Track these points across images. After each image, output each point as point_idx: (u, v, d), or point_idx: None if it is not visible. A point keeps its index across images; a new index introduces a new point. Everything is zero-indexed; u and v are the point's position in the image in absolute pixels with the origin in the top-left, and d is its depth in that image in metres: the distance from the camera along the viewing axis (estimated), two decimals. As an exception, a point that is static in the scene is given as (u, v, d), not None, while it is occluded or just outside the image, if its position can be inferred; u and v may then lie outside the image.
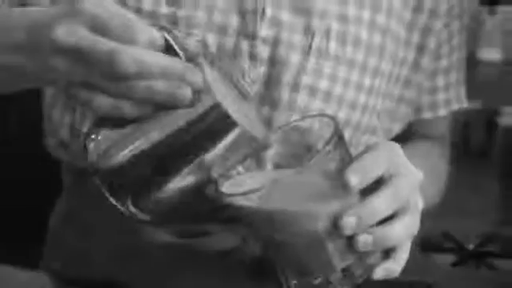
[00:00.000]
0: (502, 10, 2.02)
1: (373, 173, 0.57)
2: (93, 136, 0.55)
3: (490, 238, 1.23)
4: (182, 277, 0.78)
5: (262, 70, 0.73)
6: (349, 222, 0.56)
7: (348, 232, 0.56)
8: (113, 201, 0.55)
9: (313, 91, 0.74)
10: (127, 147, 0.54)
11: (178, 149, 0.54)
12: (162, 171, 0.54)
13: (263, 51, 0.73)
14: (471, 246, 1.21)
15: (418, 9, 0.80)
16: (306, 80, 0.73)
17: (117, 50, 0.51)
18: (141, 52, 0.52)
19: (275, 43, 0.73)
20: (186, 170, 0.54)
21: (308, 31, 0.73)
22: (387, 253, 0.60)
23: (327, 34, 0.74)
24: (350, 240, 0.57)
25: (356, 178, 0.55)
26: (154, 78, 0.52)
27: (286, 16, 0.73)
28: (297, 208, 0.56)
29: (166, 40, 0.53)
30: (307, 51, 0.73)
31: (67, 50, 0.53)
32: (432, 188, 0.82)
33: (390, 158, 0.59)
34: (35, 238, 0.91)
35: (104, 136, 0.55)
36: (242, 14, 0.73)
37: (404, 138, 0.86)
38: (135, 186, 0.55)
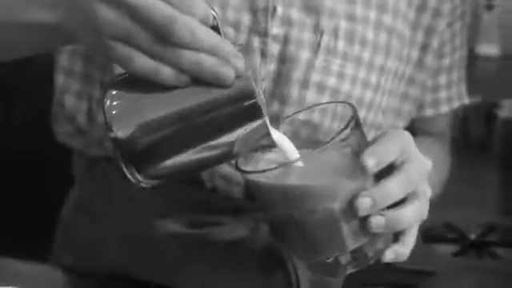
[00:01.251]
0: (498, 4, 2.03)
1: (388, 157, 0.58)
2: (113, 94, 0.55)
3: (491, 227, 1.23)
4: (193, 267, 0.79)
5: (272, 66, 0.74)
6: (364, 203, 0.57)
7: (362, 212, 0.57)
8: (122, 165, 0.55)
9: (321, 88, 0.75)
10: (148, 114, 0.54)
11: (199, 124, 0.54)
12: (178, 142, 0.55)
13: (274, 48, 0.74)
14: (473, 236, 1.21)
15: (422, 8, 0.81)
16: (314, 77, 0.74)
17: (175, 17, 0.52)
18: (197, 24, 0.53)
19: (285, 41, 0.74)
20: (202, 146, 0.55)
21: (317, 29, 0.74)
22: (396, 237, 0.61)
23: (335, 32, 0.75)
24: (364, 222, 0.58)
25: (373, 161, 0.57)
26: (203, 51, 0.53)
27: (295, 14, 0.74)
28: (315, 185, 0.57)
29: (214, 19, 0.55)
30: (316, 49, 0.74)
31: (121, 4, 0.52)
32: (434, 179, 0.83)
33: (403, 144, 0.60)
34: (43, 233, 0.91)
35: (126, 97, 0.55)
36: (254, 11, 0.73)
37: None
38: (147, 152, 0.55)
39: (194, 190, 0.78)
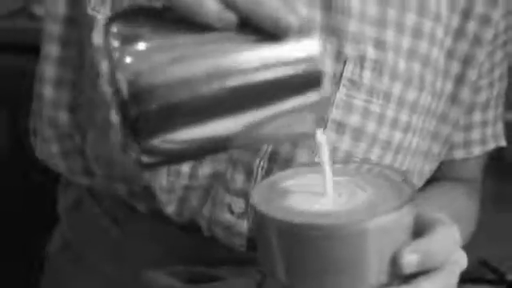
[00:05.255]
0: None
1: (432, 262, 0.50)
2: (125, 31, 0.43)
3: (532, 266, 1.13)
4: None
5: None
6: None
7: None
8: (124, 128, 0.44)
9: (341, 127, 0.66)
10: (170, 63, 0.43)
11: (233, 86, 0.43)
12: (198, 108, 0.44)
13: None
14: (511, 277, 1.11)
15: (460, 35, 0.72)
16: (334, 114, 0.66)
17: None
18: None
19: None
20: (227, 116, 0.44)
21: (339, 57, 0.66)
22: None
23: (361, 61, 0.66)
24: None
25: (414, 262, 0.49)
26: None
27: None
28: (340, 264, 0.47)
29: None
30: (338, 80, 0.66)
31: None
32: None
33: (451, 247, 0.53)
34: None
35: (142, 37, 0.43)
36: None
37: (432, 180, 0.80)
38: (159, 116, 0.43)
39: (192, 238, 0.72)
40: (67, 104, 0.75)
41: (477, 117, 0.79)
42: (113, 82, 0.43)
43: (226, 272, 0.71)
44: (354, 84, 0.66)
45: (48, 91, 0.74)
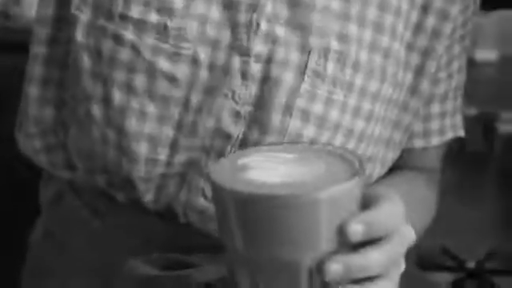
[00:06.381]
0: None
1: (377, 231, 0.53)
2: None
3: (491, 254, 1.17)
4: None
5: (253, 89, 0.69)
6: (334, 269, 0.51)
7: (329, 278, 0.51)
8: None
9: (306, 115, 0.69)
10: None
11: None
12: None
13: (255, 69, 0.68)
14: (472, 264, 1.15)
15: (419, 29, 0.75)
16: (299, 103, 0.68)
17: None
18: None
19: (268, 60, 0.68)
20: None
21: (304, 49, 0.68)
22: None
23: (325, 53, 0.69)
24: None
25: (359, 231, 0.51)
26: None
27: (281, 31, 0.68)
28: (290, 232, 0.50)
29: None
30: (302, 70, 0.68)
31: None
32: (417, 226, 0.76)
33: (396, 219, 0.55)
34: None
35: None
36: (235, 27, 0.68)
37: (394, 169, 0.82)
38: None
39: (169, 226, 0.74)
40: (53, 101, 0.77)
41: (435, 108, 0.82)
42: None
43: (201, 259, 0.72)
44: (319, 75, 0.68)
45: (34, 90, 0.77)
